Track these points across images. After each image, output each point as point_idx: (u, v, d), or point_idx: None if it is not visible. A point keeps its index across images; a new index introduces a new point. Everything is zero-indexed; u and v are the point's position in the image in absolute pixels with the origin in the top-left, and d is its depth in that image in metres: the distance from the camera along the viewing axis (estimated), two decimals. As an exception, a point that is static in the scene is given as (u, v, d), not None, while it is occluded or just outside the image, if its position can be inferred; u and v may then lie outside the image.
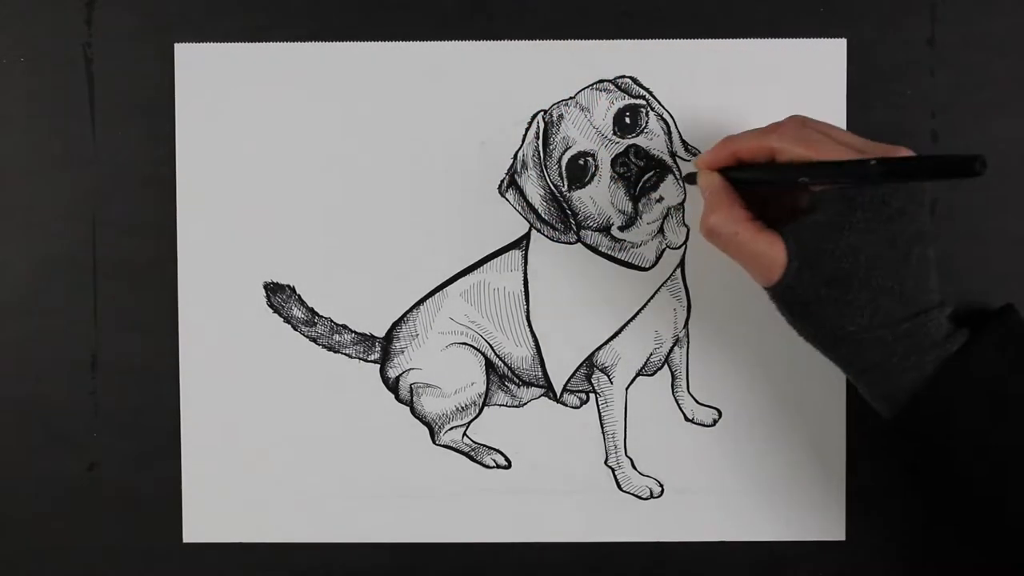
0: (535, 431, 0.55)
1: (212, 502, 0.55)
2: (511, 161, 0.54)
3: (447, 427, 0.55)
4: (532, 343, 0.55)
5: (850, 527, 0.54)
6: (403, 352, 0.55)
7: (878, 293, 0.44)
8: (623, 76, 0.54)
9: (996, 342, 0.45)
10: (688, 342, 0.55)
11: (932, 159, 0.43)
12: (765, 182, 0.48)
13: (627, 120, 0.53)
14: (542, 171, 0.54)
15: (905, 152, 0.44)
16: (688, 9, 0.54)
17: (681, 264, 0.54)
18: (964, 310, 0.47)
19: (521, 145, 0.54)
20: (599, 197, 0.53)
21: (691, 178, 0.51)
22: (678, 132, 0.54)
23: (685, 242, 0.54)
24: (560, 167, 0.53)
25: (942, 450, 0.45)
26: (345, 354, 0.55)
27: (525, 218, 0.54)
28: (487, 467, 0.55)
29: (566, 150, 0.53)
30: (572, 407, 0.55)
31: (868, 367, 0.45)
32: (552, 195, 0.53)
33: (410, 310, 0.55)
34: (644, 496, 0.55)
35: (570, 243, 0.54)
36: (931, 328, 0.44)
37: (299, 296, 0.54)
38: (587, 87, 0.54)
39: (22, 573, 0.55)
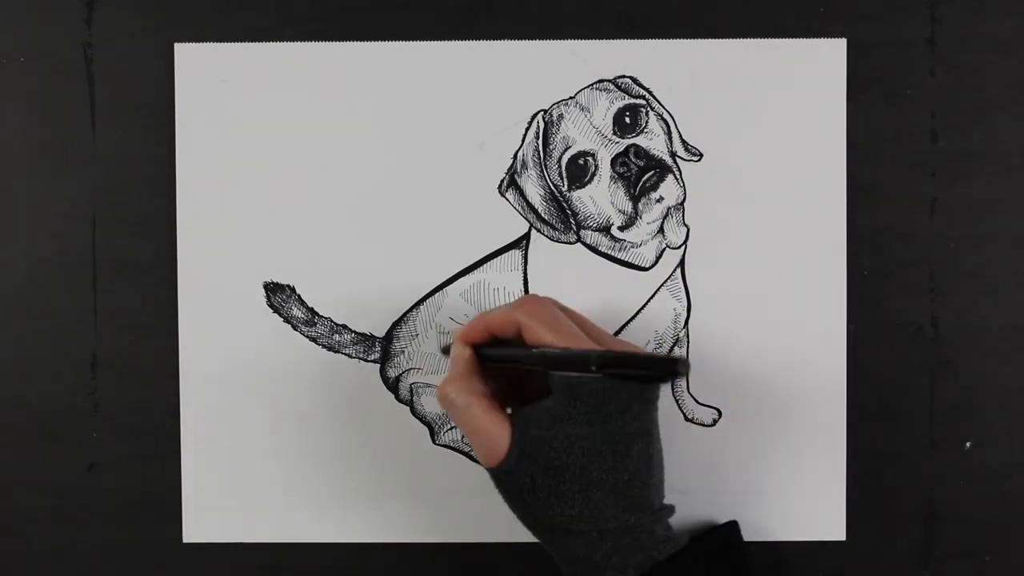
0: (535, 431, 0.55)
1: (212, 502, 0.55)
2: (511, 161, 0.54)
3: (447, 427, 0.55)
4: (532, 343, 0.55)
5: (850, 527, 0.54)
6: (403, 352, 0.55)
7: (590, 486, 0.43)
8: (623, 76, 0.54)
9: (708, 554, 0.45)
10: (688, 342, 0.55)
11: (641, 360, 0.42)
12: (506, 361, 0.47)
13: (627, 120, 0.53)
14: (542, 171, 0.53)
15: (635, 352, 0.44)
16: (688, 9, 0.54)
17: (681, 264, 0.54)
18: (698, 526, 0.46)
19: (521, 145, 0.54)
20: (599, 197, 0.53)
21: (448, 351, 0.50)
22: (678, 132, 0.54)
23: (685, 242, 0.54)
24: (560, 167, 0.53)
25: None
26: (345, 354, 0.55)
27: (525, 218, 0.54)
28: (487, 467, 0.55)
29: (566, 150, 0.53)
30: (572, 407, 0.55)
31: (574, 560, 0.45)
32: (552, 195, 0.53)
33: (410, 310, 0.55)
34: (644, 496, 0.55)
35: (570, 243, 0.54)
36: (642, 531, 0.44)
37: (299, 296, 0.54)
38: (587, 87, 0.54)
39: (22, 573, 0.55)
